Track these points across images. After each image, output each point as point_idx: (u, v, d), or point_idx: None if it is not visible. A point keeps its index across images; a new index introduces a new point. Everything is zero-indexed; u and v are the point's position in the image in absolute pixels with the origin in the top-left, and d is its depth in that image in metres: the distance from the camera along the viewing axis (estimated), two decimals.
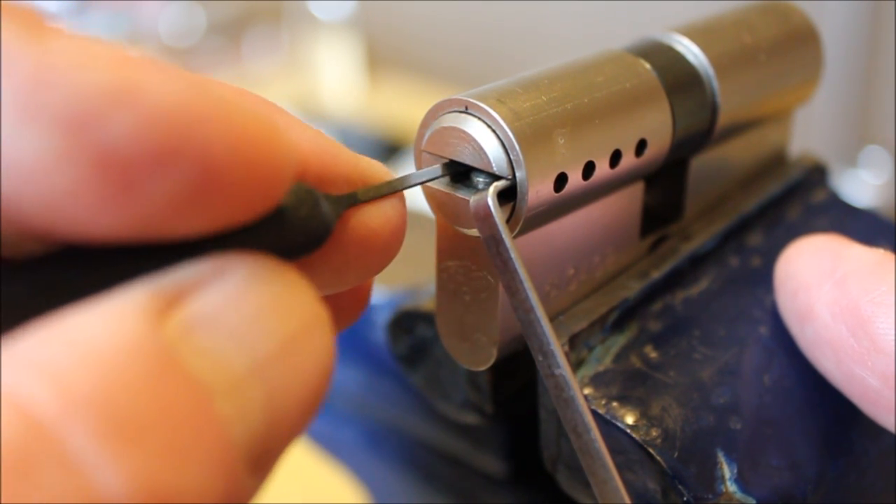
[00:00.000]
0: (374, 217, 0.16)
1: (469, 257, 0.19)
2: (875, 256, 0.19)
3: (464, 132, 0.18)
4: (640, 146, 0.20)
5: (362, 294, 0.19)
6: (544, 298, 0.20)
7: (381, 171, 0.17)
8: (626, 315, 0.21)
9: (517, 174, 0.18)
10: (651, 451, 0.18)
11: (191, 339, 0.12)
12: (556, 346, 0.17)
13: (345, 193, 0.16)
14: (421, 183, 0.18)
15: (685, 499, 0.18)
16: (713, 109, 0.22)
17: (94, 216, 0.12)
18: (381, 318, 0.26)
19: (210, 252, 0.13)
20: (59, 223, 0.12)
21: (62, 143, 0.11)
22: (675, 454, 0.18)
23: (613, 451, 0.18)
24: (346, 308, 0.19)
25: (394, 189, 0.17)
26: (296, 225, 0.14)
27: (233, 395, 0.12)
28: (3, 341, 0.11)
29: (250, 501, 0.12)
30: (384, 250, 0.17)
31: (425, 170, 0.18)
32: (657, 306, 0.21)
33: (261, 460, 0.12)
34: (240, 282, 0.12)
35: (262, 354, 0.12)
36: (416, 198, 0.20)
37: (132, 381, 0.11)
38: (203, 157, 0.12)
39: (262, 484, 0.12)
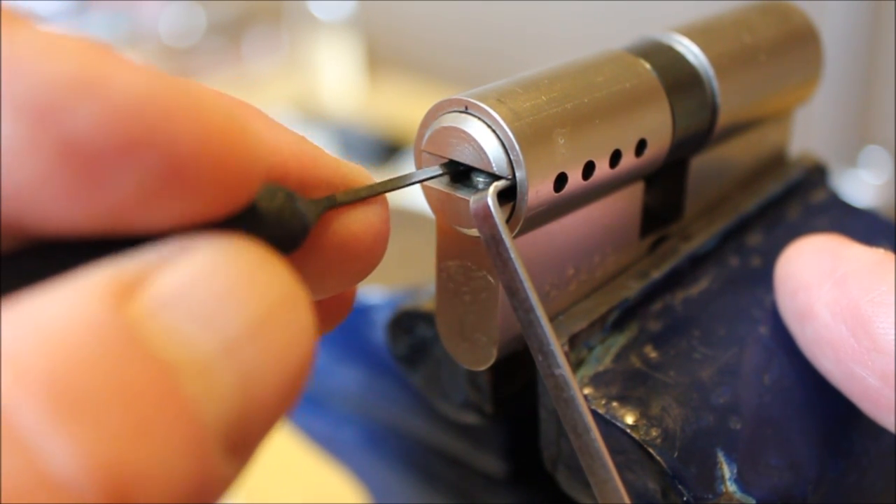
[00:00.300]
0: (355, 222, 0.16)
1: (469, 257, 0.19)
2: (875, 256, 0.19)
3: (464, 132, 0.18)
4: (640, 146, 0.20)
5: (345, 299, 0.18)
6: (544, 298, 0.20)
7: (362, 176, 0.17)
8: (626, 315, 0.21)
9: (517, 174, 0.18)
10: (651, 451, 0.18)
11: (155, 319, 0.11)
12: (556, 346, 0.17)
13: (323, 196, 0.16)
14: (421, 181, 0.18)
15: (685, 499, 0.18)
16: (713, 109, 0.22)
17: (60, 207, 0.11)
18: (381, 318, 0.26)
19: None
20: (26, 214, 0.12)
21: (27, 132, 0.11)
22: (675, 454, 0.18)
23: (613, 451, 0.18)
24: (329, 313, 0.18)
25: (374, 192, 0.16)
26: (272, 225, 0.14)
27: (201, 376, 0.11)
28: None
29: (229, 487, 0.12)
30: (366, 256, 0.17)
31: (425, 168, 0.18)
32: (657, 306, 0.21)
33: (238, 444, 0.12)
34: (207, 259, 0.12)
35: (231, 333, 0.12)
36: (416, 198, 0.20)
37: (87, 359, 0.10)
38: (169, 149, 0.12)
39: (241, 470, 0.12)
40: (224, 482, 0.12)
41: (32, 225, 0.12)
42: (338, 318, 0.19)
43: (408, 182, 0.17)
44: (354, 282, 0.17)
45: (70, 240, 0.12)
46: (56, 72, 0.11)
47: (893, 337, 0.17)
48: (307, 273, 0.16)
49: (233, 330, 0.12)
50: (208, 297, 0.12)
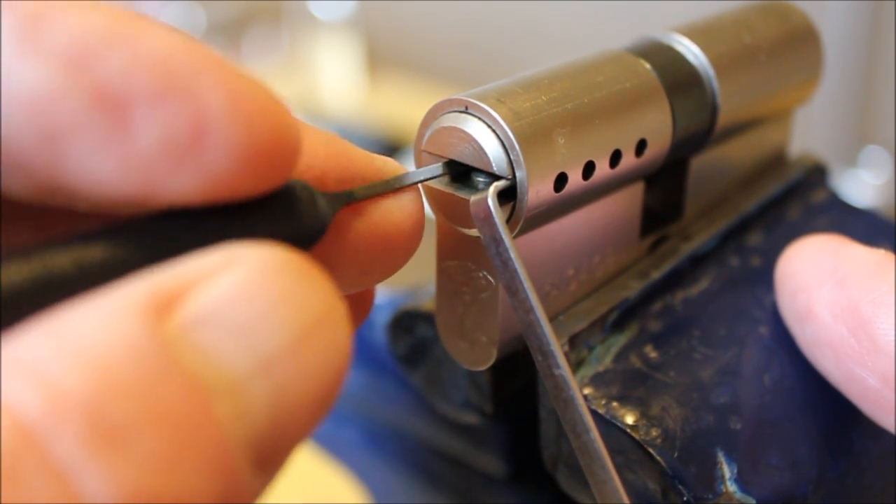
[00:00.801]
0: (395, 212, 0.17)
1: (469, 257, 0.19)
2: (875, 257, 0.19)
3: (464, 132, 0.18)
4: (640, 146, 0.20)
5: (367, 296, 0.19)
6: (544, 298, 0.20)
7: (394, 168, 0.17)
8: (626, 315, 0.21)
9: (517, 174, 0.18)
10: (651, 451, 0.18)
11: (192, 336, 0.11)
12: (556, 346, 0.17)
13: (341, 191, 0.16)
14: (421, 181, 0.18)
15: (685, 499, 0.18)
16: (713, 109, 0.22)
17: (92, 154, 0.12)
18: (381, 318, 0.26)
19: (215, 237, 0.12)
20: (60, 163, 0.12)
21: (61, 76, 0.12)
22: (675, 454, 0.18)
23: (613, 451, 0.18)
24: (352, 310, 0.19)
25: (391, 187, 0.17)
26: (292, 220, 0.14)
27: (234, 395, 0.11)
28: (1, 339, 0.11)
29: (256, 499, 0.12)
30: (407, 243, 0.17)
31: (425, 168, 0.18)
32: (657, 306, 0.21)
33: (268, 458, 0.12)
34: (249, 274, 0.12)
35: (269, 352, 0.12)
36: None
37: (124, 384, 0.10)
38: (196, 105, 0.12)
39: (270, 481, 0.12)
40: (251, 496, 0.12)
41: (66, 178, 0.12)
42: (362, 314, 0.19)
43: (407, 181, 0.17)
44: (395, 269, 0.17)
45: (110, 229, 0.12)
46: (90, 21, 0.12)
47: (894, 338, 0.17)
48: (351, 266, 0.16)
49: (271, 349, 0.12)
50: (248, 314, 0.12)
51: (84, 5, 0.12)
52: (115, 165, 0.12)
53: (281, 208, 0.14)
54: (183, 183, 0.12)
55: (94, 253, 0.12)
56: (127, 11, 0.12)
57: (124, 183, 0.12)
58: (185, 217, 0.13)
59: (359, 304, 0.19)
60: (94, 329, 0.11)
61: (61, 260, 0.12)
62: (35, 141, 0.12)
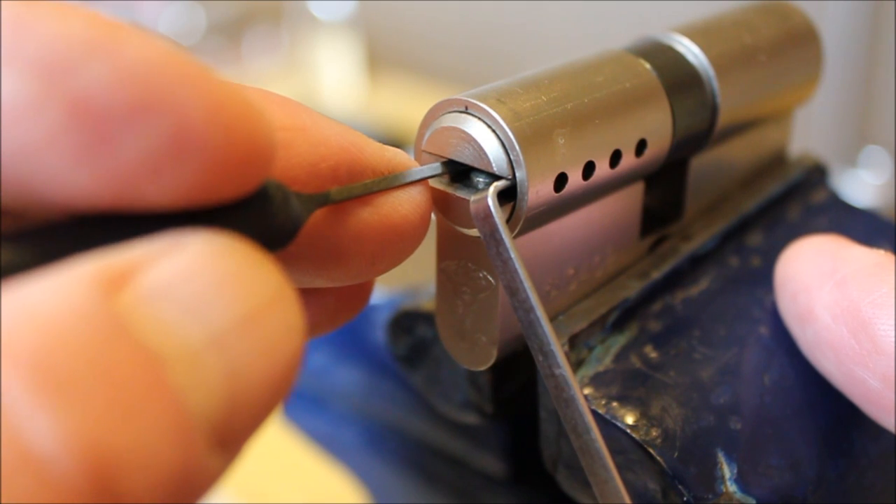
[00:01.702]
0: (403, 203, 0.17)
1: (469, 257, 0.19)
2: (875, 258, 0.19)
3: (464, 132, 0.18)
4: (640, 146, 0.20)
5: (366, 285, 0.19)
6: (544, 298, 0.20)
7: (403, 160, 0.17)
8: (626, 315, 0.21)
9: (517, 174, 0.18)
10: (651, 451, 0.18)
11: (142, 309, 0.12)
12: (556, 346, 0.17)
13: (317, 192, 0.16)
14: (416, 181, 0.18)
15: (685, 499, 0.18)
16: (713, 109, 0.22)
17: (67, 170, 0.12)
18: (381, 318, 0.26)
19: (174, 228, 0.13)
20: (34, 176, 0.12)
21: (38, 87, 0.11)
22: (675, 454, 0.18)
23: (613, 451, 0.18)
24: (350, 301, 0.19)
25: (369, 190, 0.17)
26: (263, 220, 0.14)
27: (188, 366, 0.12)
28: None
29: (215, 481, 0.12)
30: (414, 234, 0.17)
31: (424, 167, 0.18)
32: (657, 306, 0.21)
33: (225, 439, 0.12)
34: (196, 254, 0.12)
35: (219, 327, 0.12)
36: None
37: (73, 342, 0.11)
38: (177, 116, 0.12)
39: (228, 465, 0.12)
40: (210, 476, 0.12)
41: (40, 191, 0.12)
42: (359, 305, 0.19)
43: (407, 180, 0.17)
44: (402, 259, 0.17)
45: (69, 222, 0.12)
46: (69, 31, 0.11)
47: (894, 339, 0.17)
48: (353, 257, 0.16)
49: (220, 323, 0.12)
50: (196, 290, 0.12)
51: (65, 11, 0.12)
52: (91, 177, 0.12)
53: (248, 209, 0.14)
54: (160, 191, 0.12)
55: (47, 248, 0.12)
56: (107, 17, 0.12)
57: (100, 193, 0.12)
58: (149, 218, 0.13)
59: (358, 294, 0.19)
60: (48, 297, 0.11)
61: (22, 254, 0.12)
62: (11, 153, 0.11)
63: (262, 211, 0.14)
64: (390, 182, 0.17)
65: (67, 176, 0.12)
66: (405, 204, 0.17)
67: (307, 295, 0.18)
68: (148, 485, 0.11)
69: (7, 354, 0.10)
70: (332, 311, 0.19)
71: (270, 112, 0.15)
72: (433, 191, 0.19)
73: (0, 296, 0.11)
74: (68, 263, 0.12)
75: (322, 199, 0.16)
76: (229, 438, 0.12)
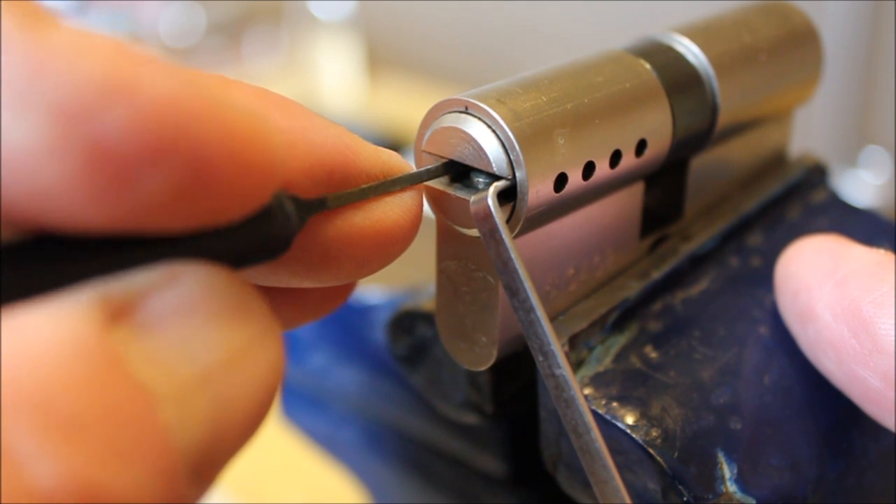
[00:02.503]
0: (394, 208, 0.17)
1: (469, 257, 0.19)
2: (876, 257, 0.19)
3: (464, 132, 0.18)
4: (640, 146, 0.20)
5: (350, 283, 0.19)
6: (544, 298, 0.20)
7: (398, 163, 0.17)
8: (626, 315, 0.21)
9: (517, 174, 0.18)
10: (651, 451, 0.18)
11: (138, 344, 0.12)
12: (557, 346, 0.17)
13: (314, 198, 0.16)
14: (421, 181, 0.18)
15: (685, 499, 0.18)
16: (713, 109, 0.22)
17: (84, 209, 0.12)
18: (381, 318, 0.26)
19: (173, 254, 0.13)
20: (50, 214, 0.12)
21: (56, 133, 0.11)
22: (675, 454, 0.18)
23: (613, 451, 0.18)
24: (332, 296, 0.19)
25: (365, 196, 0.17)
26: (260, 229, 0.14)
27: (178, 403, 0.12)
28: None
29: None
30: (403, 238, 0.17)
31: (424, 168, 0.18)
32: (657, 306, 0.21)
33: (203, 469, 0.12)
34: (192, 290, 0.12)
35: (209, 364, 0.12)
36: None
37: (74, 380, 0.11)
38: (196, 154, 0.12)
39: (204, 493, 0.13)
40: (188, 502, 0.12)
41: (54, 222, 0.12)
42: (338, 302, 0.19)
43: (402, 185, 0.17)
44: (390, 261, 0.17)
45: (78, 237, 0.12)
46: (87, 74, 0.11)
47: (894, 338, 0.17)
48: (343, 260, 0.16)
49: (210, 360, 0.12)
50: (190, 326, 0.12)
51: (83, 49, 0.11)
52: (107, 216, 0.12)
53: (244, 220, 0.14)
54: (173, 222, 0.12)
55: (45, 266, 0.12)
56: (128, 50, 0.12)
57: (114, 227, 0.12)
58: (147, 241, 0.13)
59: (341, 289, 0.19)
60: (45, 329, 0.11)
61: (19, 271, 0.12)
62: (23, 196, 0.11)
63: (258, 222, 0.14)
64: (387, 187, 0.17)
65: (82, 215, 0.12)
66: (396, 208, 0.17)
67: (291, 291, 0.18)
68: None
69: (10, 394, 0.10)
70: (314, 305, 0.19)
71: (271, 116, 0.15)
72: (433, 191, 0.19)
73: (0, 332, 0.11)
74: (68, 292, 0.12)
75: (319, 205, 0.16)
76: (208, 468, 0.12)
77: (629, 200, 0.21)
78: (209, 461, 0.12)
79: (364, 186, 0.17)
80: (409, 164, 0.18)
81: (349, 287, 0.19)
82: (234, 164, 0.12)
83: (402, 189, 0.17)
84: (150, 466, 0.11)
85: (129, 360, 0.11)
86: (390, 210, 0.17)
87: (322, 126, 0.16)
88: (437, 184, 0.19)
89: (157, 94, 0.11)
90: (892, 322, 0.17)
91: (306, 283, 0.17)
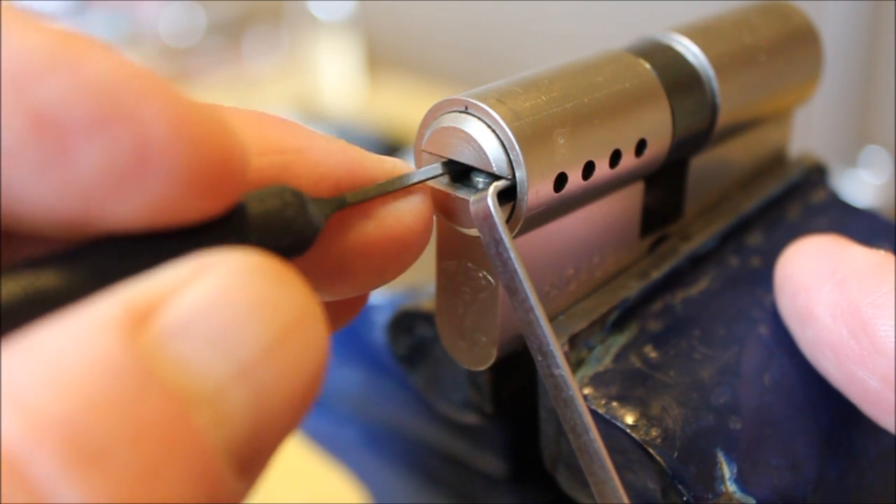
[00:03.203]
0: (405, 213, 0.17)
1: (469, 257, 0.19)
2: (875, 258, 0.19)
3: (464, 132, 0.18)
4: (640, 146, 0.20)
5: (361, 296, 0.19)
6: (544, 298, 0.20)
7: (405, 169, 0.17)
8: (626, 315, 0.21)
9: (517, 174, 0.18)
10: (651, 450, 0.18)
11: (168, 348, 0.11)
12: (556, 346, 0.17)
13: (333, 197, 0.16)
14: (421, 181, 0.18)
15: (685, 499, 0.18)
16: (713, 109, 0.22)
17: (29, 180, 0.12)
18: (381, 318, 0.26)
19: (191, 250, 0.12)
20: (7, 193, 0.12)
21: (1, 97, 0.11)
22: (675, 454, 0.18)
23: (613, 451, 0.18)
24: (348, 308, 0.19)
25: (383, 190, 0.17)
26: (282, 227, 0.14)
27: (214, 403, 0.11)
28: None
29: (241, 501, 0.12)
30: (418, 242, 0.17)
31: (425, 168, 0.18)
32: (657, 306, 0.21)
33: (250, 462, 0.12)
34: (222, 281, 0.12)
35: (246, 357, 0.12)
36: None
37: (103, 401, 0.10)
38: (138, 129, 0.12)
39: (253, 484, 0.12)
40: (235, 499, 0.12)
41: (5, 202, 0.12)
42: (352, 314, 0.19)
43: (407, 182, 0.17)
44: (406, 267, 0.17)
45: (87, 246, 0.12)
46: (30, 44, 0.11)
47: (894, 339, 0.17)
48: (359, 269, 0.16)
49: (248, 354, 0.12)
50: (224, 321, 0.12)
51: (27, 25, 0.12)
52: (54, 190, 0.12)
53: (266, 218, 0.14)
54: (125, 208, 0.12)
55: (47, 279, 0.12)
56: (72, 32, 0.12)
57: (65, 208, 0.12)
58: (146, 239, 0.12)
59: (351, 303, 0.19)
60: (70, 347, 0.11)
61: (10, 287, 0.11)
62: None
63: (280, 218, 0.14)
64: (401, 182, 0.17)
65: (30, 186, 0.12)
66: (408, 214, 0.17)
67: None
68: None
69: (34, 423, 0.10)
70: (331, 318, 0.19)
71: (264, 133, 0.15)
72: (433, 191, 0.19)
73: (7, 347, 0.11)
74: (88, 304, 0.11)
75: (338, 203, 0.16)
76: (254, 461, 0.12)
77: (629, 200, 0.21)
78: (254, 453, 0.12)
79: (383, 182, 0.17)
80: (412, 169, 0.18)
81: (362, 300, 0.19)
82: (181, 149, 0.12)
83: (409, 193, 0.17)
84: (188, 476, 0.11)
85: (159, 367, 0.11)
86: (402, 216, 0.17)
87: (322, 143, 0.16)
88: (438, 184, 0.19)
89: (99, 69, 0.12)
90: (892, 323, 0.17)
91: (325, 297, 0.17)
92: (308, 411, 0.13)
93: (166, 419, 0.11)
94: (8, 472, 0.10)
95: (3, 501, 0.10)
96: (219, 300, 0.12)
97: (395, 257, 0.17)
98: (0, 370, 0.10)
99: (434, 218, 0.18)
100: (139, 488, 0.10)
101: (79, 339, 0.11)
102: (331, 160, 0.16)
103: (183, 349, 0.11)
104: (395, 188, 0.17)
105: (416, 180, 0.18)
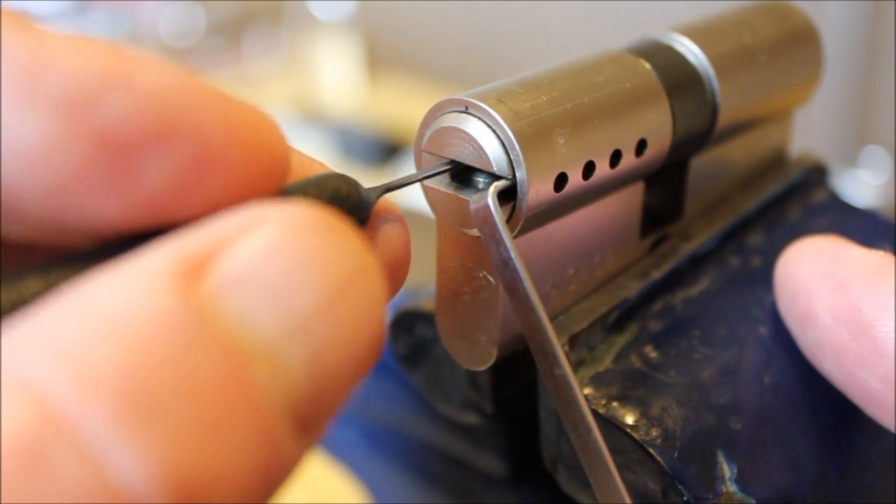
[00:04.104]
0: (394, 238, 0.16)
1: (469, 257, 0.19)
2: (875, 259, 0.19)
3: (464, 132, 0.18)
4: (640, 146, 0.20)
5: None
6: (544, 298, 0.20)
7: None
8: (626, 315, 0.21)
9: (517, 174, 0.18)
10: (651, 450, 0.18)
11: (224, 301, 0.11)
12: (557, 346, 0.17)
13: (378, 185, 0.16)
14: (421, 179, 0.18)
15: (685, 499, 0.18)
16: (713, 109, 0.22)
17: (97, 200, 0.12)
18: None
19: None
20: (66, 210, 0.12)
21: (62, 124, 0.11)
22: (676, 454, 0.18)
23: (613, 451, 0.18)
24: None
25: (412, 180, 0.18)
26: (341, 201, 0.15)
27: (271, 359, 0.11)
28: (10, 320, 0.10)
29: (299, 463, 0.11)
30: (405, 266, 0.17)
31: (425, 169, 0.18)
32: (657, 306, 0.21)
33: (309, 421, 0.11)
34: (278, 233, 0.12)
35: (303, 311, 0.11)
36: (416, 198, 0.20)
37: (157, 355, 0.10)
38: (198, 136, 0.12)
39: (312, 445, 0.12)
40: (294, 461, 0.11)
41: (72, 219, 0.12)
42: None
43: (413, 180, 0.17)
44: (395, 291, 0.17)
45: (116, 236, 0.12)
46: (86, 66, 0.12)
47: (894, 340, 0.17)
48: None
49: (304, 308, 0.11)
50: (279, 273, 0.11)
51: (80, 46, 0.12)
52: (121, 205, 0.12)
53: (327, 195, 0.14)
54: (186, 209, 0.12)
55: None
56: (121, 48, 0.12)
57: (130, 218, 0.12)
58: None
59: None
60: (122, 300, 0.10)
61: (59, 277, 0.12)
62: (39, 193, 0.12)
63: (338, 195, 0.15)
64: (404, 181, 0.18)
65: (98, 204, 0.12)
66: (395, 239, 0.16)
67: None
68: (233, 492, 0.10)
69: (86, 380, 0.10)
70: None
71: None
72: (433, 191, 0.19)
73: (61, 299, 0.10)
74: (141, 254, 0.11)
75: (385, 188, 0.16)
76: (314, 420, 0.12)
77: (629, 200, 0.21)
78: (314, 412, 0.11)
79: (406, 175, 0.18)
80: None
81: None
82: (236, 150, 0.12)
83: (390, 220, 0.17)
84: (246, 434, 0.10)
85: (214, 320, 0.11)
86: (390, 240, 0.16)
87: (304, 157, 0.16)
88: (438, 184, 0.19)
89: (153, 82, 0.12)
90: (892, 324, 0.17)
91: None
92: (368, 371, 0.12)
93: (223, 375, 0.10)
94: (57, 432, 0.09)
95: (53, 466, 0.09)
96: (275, 253, 0.11)
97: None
98: (45, 321, 0.10)
99: (426, 219, 0.18)
100: (198, 448, 0.10)
101: (132, 292, 0.10)
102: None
103: (238, 303, 0.11)
104: (423, 178, 0.18)
105: (420, 177, 0.18)
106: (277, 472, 0.11)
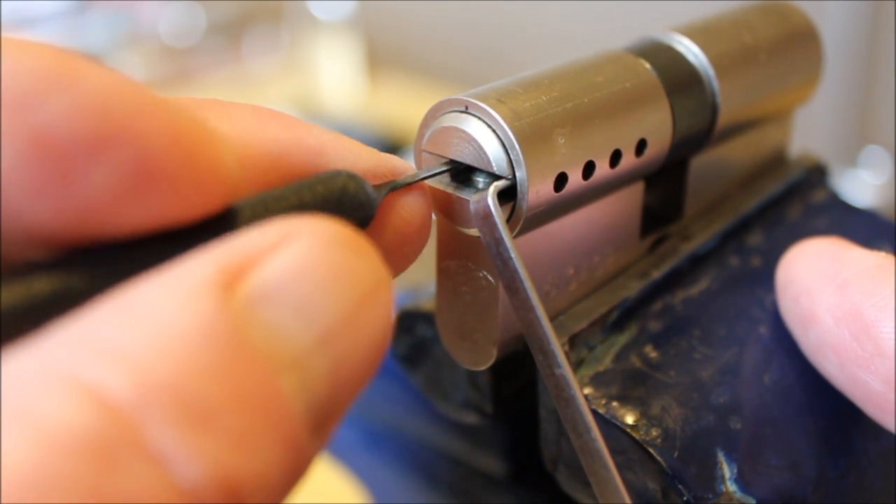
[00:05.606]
0: (405, 209, 0.17)
1: (469, 257, 0.19)
2: (876, 260, 0.19)
3: (464, 132, 0.18)
4: (640, 146, 0.20)
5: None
6: (544, 298, 0.20)
7: (401, 163, 0.17)
8: (626, 315, 0.21)
9: (517, 174, 0.18)
10: (651, 450, 0.18)
11: (258, 312, 0.11)
12: (557, 346, 0.17)
13: (384, 182, 0.16)
14: (426, 177, 0.18)
15: (685, 499, 0.18)
16: (713, 109, 0.22)
17: (30, 204, 0.11)
18: None
19: (191, 248, 0.12)
20: (5, 215, 0.12)
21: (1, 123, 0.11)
22: (675, 454, 0.18)
23: (613, 451, 0.18)
24: None
25: (423, 176, 0.17)
26: (348, 201, 0.15)
27: (298, 370, 0.11)
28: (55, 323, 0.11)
29: (314, 460, 0.12)
30: (417, 239, 0.17)
31: (426, 169, 0.18)
32: (657, 306, 0.21)
33: (324, 423, 0.12)
34: (308, 249, 0.12)
35: (328, 324, 0.12)
36: None
37: (205, 364, 0.10)
38: (139, 145, 0.12)
39: (324, 444, 0.12)
40: (311, 459, 0.12)
41: (5, 227, 0.12)
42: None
43: (413, 179, 0.17)
44: (407, 265, 0.17)
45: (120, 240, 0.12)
46: (28, 66, 0.11)
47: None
48: None
49: (330, 321, 0.12)
50: (309, 288, 0.12)
51: (23, 47, 0.11)
52: (56, 209, 0.12)
53: (333, 196, 0.15)
54: (126, 220, 0.12)
55: (46, 285, 0.12)
56: (66, 51, 0.12)
57: (66, 224, 0.12)
58: (145, 241, 0.13)
59: None
60: (169, 307, 0.11)
61: (10, 292, 0.11)
62: None
63: (345, 195, 0.15)
64: (405, 180, 0.17)
65: (32, 206, 0.11)
66: (406, 210, 0.17)
67: None
68: (269, 492, 0.11)
69: (145, 384, 0.10)
70: None
71: (259, 124, 0.15)
72: (433, 190, 0.19)
73: (126, 312, 0.10)
74: (183, 262, 0.11)
75: (390, 186, 0.17)
76: (327, 423, 0.12)
77: (629, 200, 0.21)
78: (329, 415, 0.12)
79: (418, 171, 0.18)
80: (409, 165, 0.18)
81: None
82: (178, 161, 0.12)
83: (409, 189, 0.17)
84: (278, 441, 0.11)
85: (249, 332, 0.11)
86: (402, 210, 0.17)
87: (318, 132, 0.16)
88: (438, 184, 0.19)
89: (97, 86, 0.12)
90: (894, 325, 0.17)
91: None
92: (375, 373, 0.13)
93: (258, 385, 0.11)
94: (124, 435, 0.10)
95: (121, 466, 0.09)
96: (305, 267, 0.12)
97: (395, 254, 0.17)
98: (97, 324, 0.10)
99: (434, 217, 0.18)
100: (241, 452, 0.10)
101: (177, 299, 0.11)
102: (327, 147, 0.16)
103: (270, 315, 0.11)
104: (431, 175, 0.18)
105: (418, 178, 0.18)
106: (298, 473, 0.12)
